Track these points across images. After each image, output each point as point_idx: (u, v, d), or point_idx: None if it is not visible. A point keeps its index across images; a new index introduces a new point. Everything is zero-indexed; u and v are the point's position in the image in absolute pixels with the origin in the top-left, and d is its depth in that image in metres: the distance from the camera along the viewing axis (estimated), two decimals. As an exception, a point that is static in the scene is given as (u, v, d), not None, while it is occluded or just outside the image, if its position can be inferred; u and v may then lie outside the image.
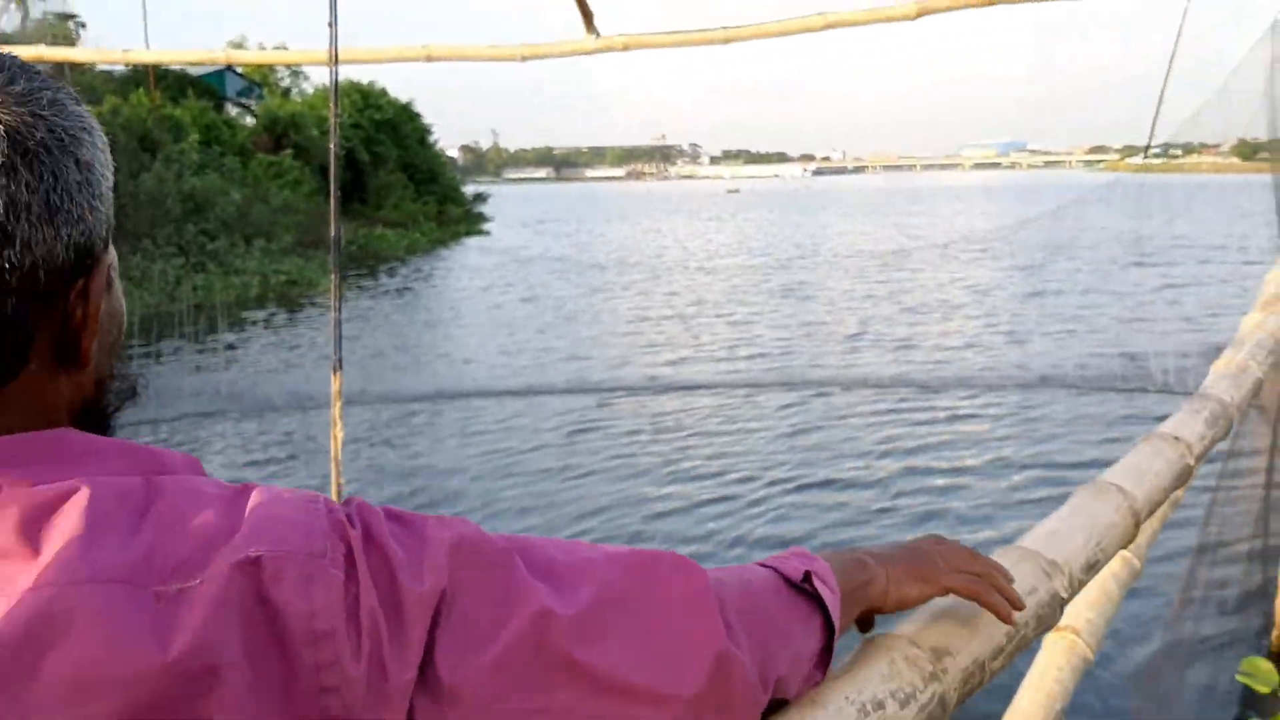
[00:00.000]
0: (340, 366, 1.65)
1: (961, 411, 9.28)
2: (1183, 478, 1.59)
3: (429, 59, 4.96)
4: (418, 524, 0.65)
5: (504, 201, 73.78)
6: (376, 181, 37.40)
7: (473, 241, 37.27)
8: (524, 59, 4.89)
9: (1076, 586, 1.17)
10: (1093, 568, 1.24)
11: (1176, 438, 1.66)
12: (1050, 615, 1.08)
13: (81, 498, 0.56)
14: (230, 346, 14.19)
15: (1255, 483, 4.34)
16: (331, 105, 1.57)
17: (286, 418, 9.63)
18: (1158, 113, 6.59)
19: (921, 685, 0.86)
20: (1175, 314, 15.31)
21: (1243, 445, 4.23)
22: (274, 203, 26.29)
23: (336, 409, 1.66)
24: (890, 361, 11.95)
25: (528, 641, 0.63)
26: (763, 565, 0.84)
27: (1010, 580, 0.98)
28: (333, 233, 1.65)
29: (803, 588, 0.81)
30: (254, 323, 16.52)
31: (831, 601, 0.81)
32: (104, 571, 0.53)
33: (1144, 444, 1.63)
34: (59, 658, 0.51)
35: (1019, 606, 0.96)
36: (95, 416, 0.69)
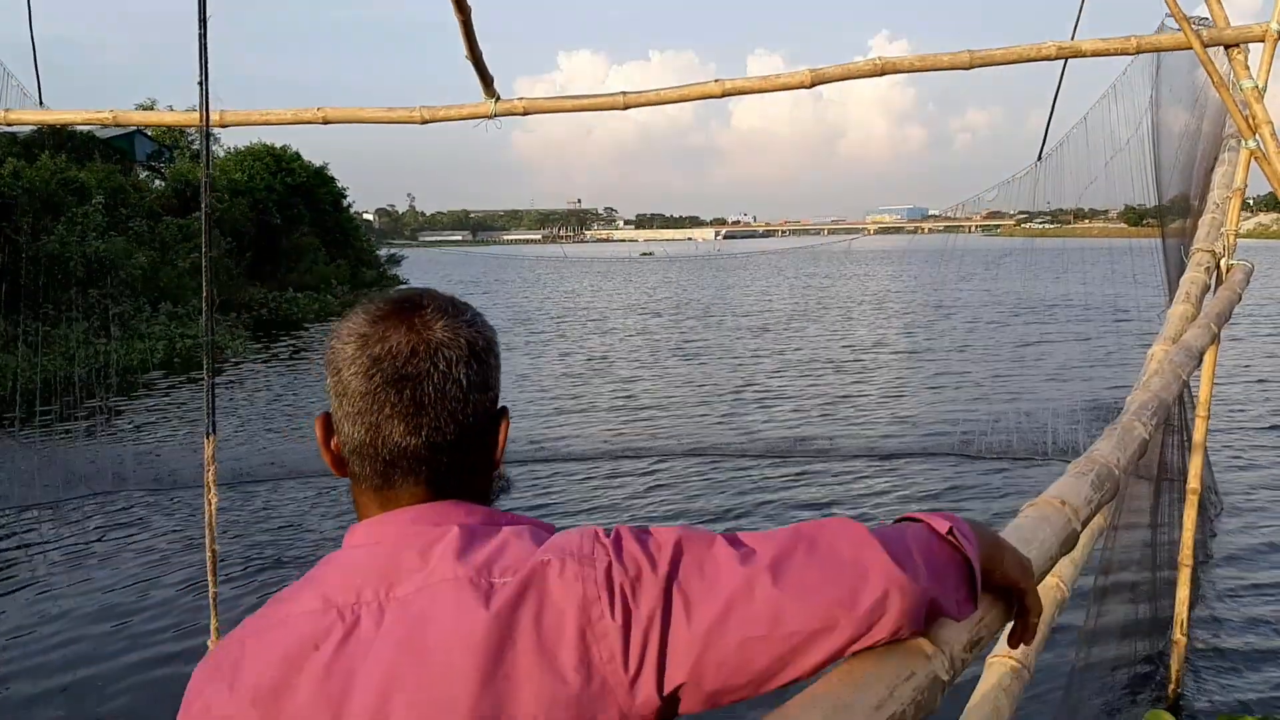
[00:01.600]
0: (214, 431, 1.74)
1: (843, 476, 9.41)
2: (1069, 544, 1.53)
3: (325, 121, 5.01)
4: (649, 530, 1.02)
5: (419, 264, 73.39)
6: (288, 244, 37.04)
7: (386, 305, 37.00)
8: (424, 121, 4.96)
9: (959, 667, 1.09)
10: (976, 645, 1.16)
11: (1062, 502, 1.59)
12: (930, 701, 1.01)
13: (456, 535, 1.04)
14: (119, 414, 13.82)
15: (1142, 542, 4.55)
16: (203, 166, 1.68)
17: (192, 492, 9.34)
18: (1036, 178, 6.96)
19: None
20: (1049, 374, 15.97)
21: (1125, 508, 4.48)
22: (182, 266, 25.91)
23: (210, 474, 1.75)
24: (766, 423, 12.07)
25: (739, 591, 0.95)
26: (912, 519, 1.09)
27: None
28: (205, 292, 1.75)
29: (946, 538, 1.06)
30: (155, 389, 16.15)
31: (971, 552, 1.06)
32: (469, 575, 0.98)
33: (1029, 510, 1.57)
34: (442, 614, 0.97)
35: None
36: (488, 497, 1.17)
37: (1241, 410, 11.91)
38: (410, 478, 1.09)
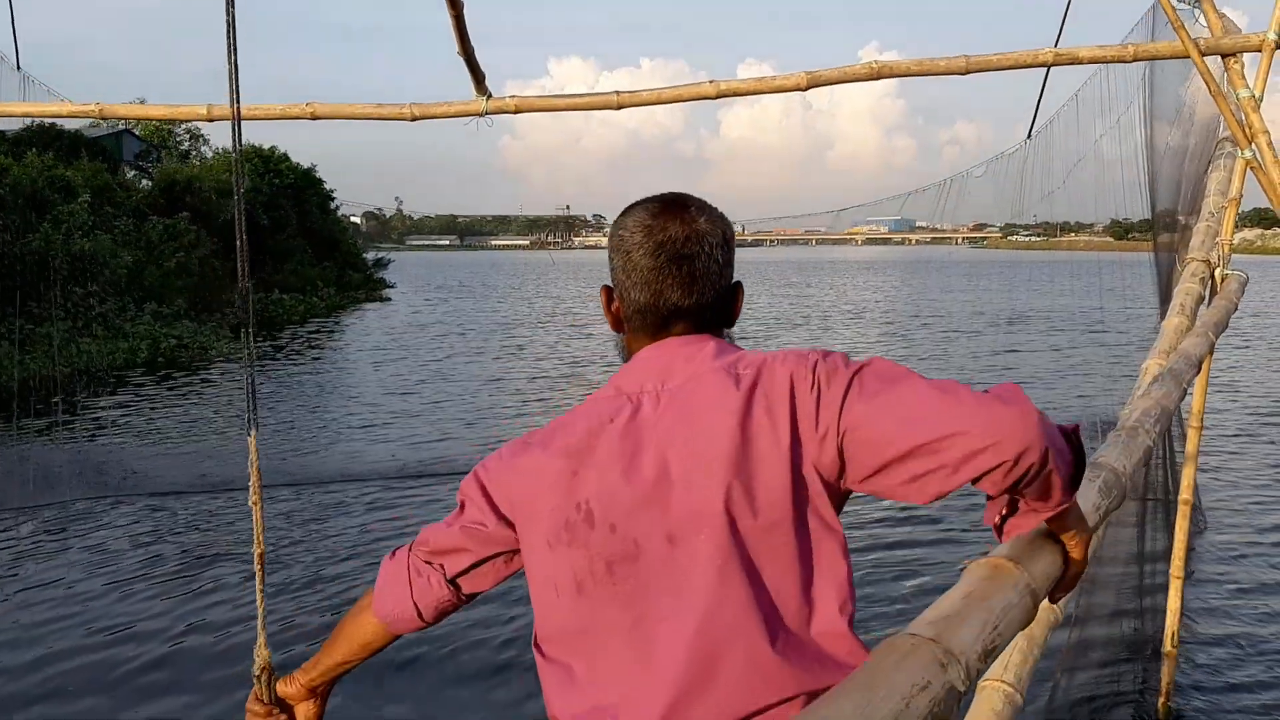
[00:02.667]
0: (255, 427, 1.70)
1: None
2: (1080, 552, 1.52)
3: (314, 117, 4.92)
4: (844, 356, 1.38)
5: (407, 267, 73.23)
6: (275, 246, 36.87)
7: (372, 307, 36.90)
8: (414, 118, 4.88)
9: (974, 676, 1.10)
10: (990, 654, 1.17)
11: (1070, 509, 1.56)
12: (945, 712, 1.02)
13: (713, 346, 1.47)
14: (99, 414, 13.68)
15: (1125, 556, 4.53)
16: (235, 155, 1.62)
17: (191, 499, 9.19)
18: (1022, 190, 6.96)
19: None
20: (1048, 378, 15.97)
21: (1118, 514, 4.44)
22: (168, 266, 25.74)
23: (254, 473, 1.71)
24: None
25: (905, 391, 1.26)
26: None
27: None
28: (241, 285, 1.70)
29: (1072, 434, 1.28)
30: (139, 389, 16.00)
31: (1083, 455, 1.29)
32: (727, 370, 1.41)
33: None
34: (706, 392, 1.40)
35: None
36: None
37: (1221, 422, 11.94)
38: (680, 325, 1.50)
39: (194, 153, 44.56)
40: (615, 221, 1.56)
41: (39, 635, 5.82)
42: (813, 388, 1.34)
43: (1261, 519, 8.00)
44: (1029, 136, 6.66)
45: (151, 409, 14.02)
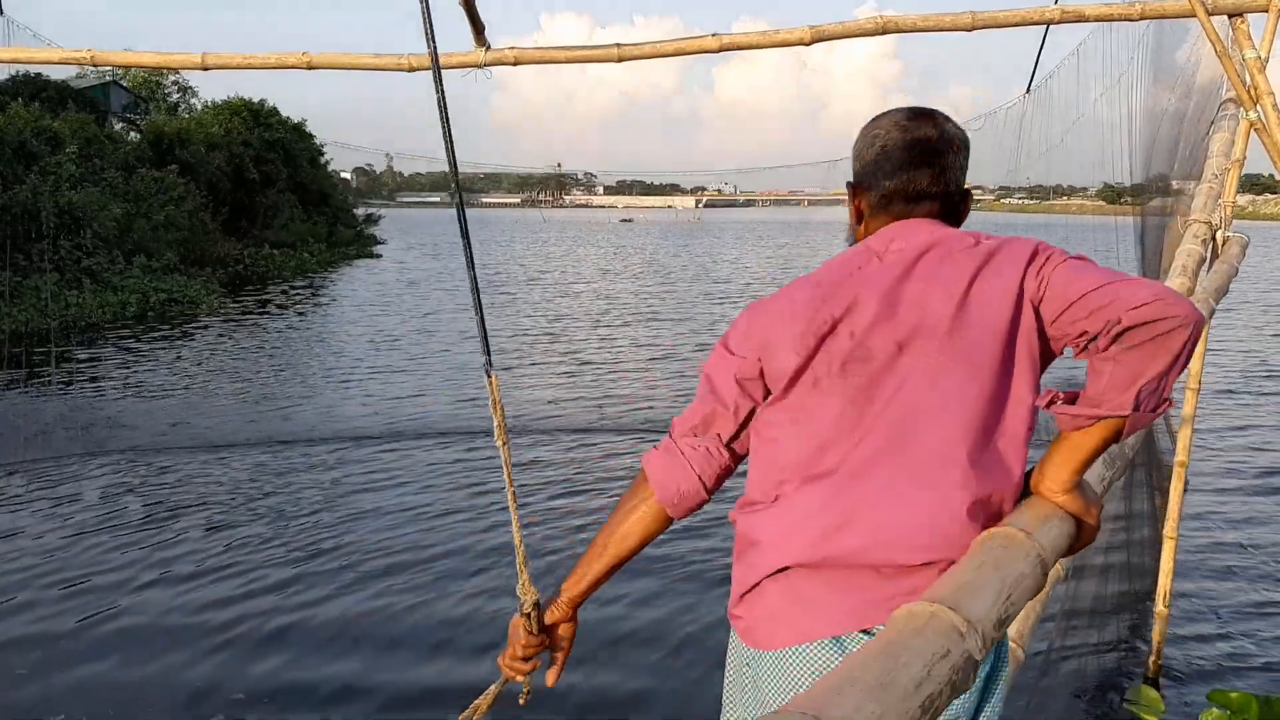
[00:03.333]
0: (492, 367, 1.74)
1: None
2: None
3: (310, 66, 4.84)
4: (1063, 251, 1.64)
5: (398, 223, 72.81)
6: (265, 201, 36.59)
7: (363, 264, 36.71)
8: (412, 69, 4.79)
9: (989, 646, 1.12)
10: (1004, 623, 1.20)
11: (1079, 479, 1.66)
12: (963, 681, 1.04)
13: (954, 228, 1.75)
14: (88, 367, 13.60)
15: (1113, 515, 4.57)
16: (441, 107, 1.62)
17: (175, 454, 9.15)
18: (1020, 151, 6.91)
19: None
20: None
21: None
22: (157, 219, 25.53)
23: (498, 415, 1.74)
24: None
25: (1098, 276, 1.50)
26: None
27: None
28: (460, 224, 1.71)
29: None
30: (129, 342, 15.91)
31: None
32: (969, 239, 1.67)
33: None
34: (950, 246, 1.68)
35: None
36: None
37: (1207, 383, 11.99)
38: (924, 208, 1.75)
39: (182, 105, 44.08)
40: (865, 127, 1.82)
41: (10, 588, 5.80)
42: (1033, 264, 1.60)
43: (1247, 480, 8.07)
44: (1028, 90, 6.61)
45: (141, 363, 13.94)
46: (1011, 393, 1.62)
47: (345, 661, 4.84)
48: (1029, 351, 1.61)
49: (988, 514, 1.59)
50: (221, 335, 17.04)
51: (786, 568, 1.63)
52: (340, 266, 34.72)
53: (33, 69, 31.45)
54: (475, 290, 1.79)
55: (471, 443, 9.13)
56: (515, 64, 4.77)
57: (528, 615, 1.81)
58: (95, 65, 4.95)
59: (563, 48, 4.81)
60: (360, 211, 56.13)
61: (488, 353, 1.77)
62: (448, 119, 1.77)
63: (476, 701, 1.92)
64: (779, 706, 1.32)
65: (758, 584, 1.67)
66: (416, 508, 7.23)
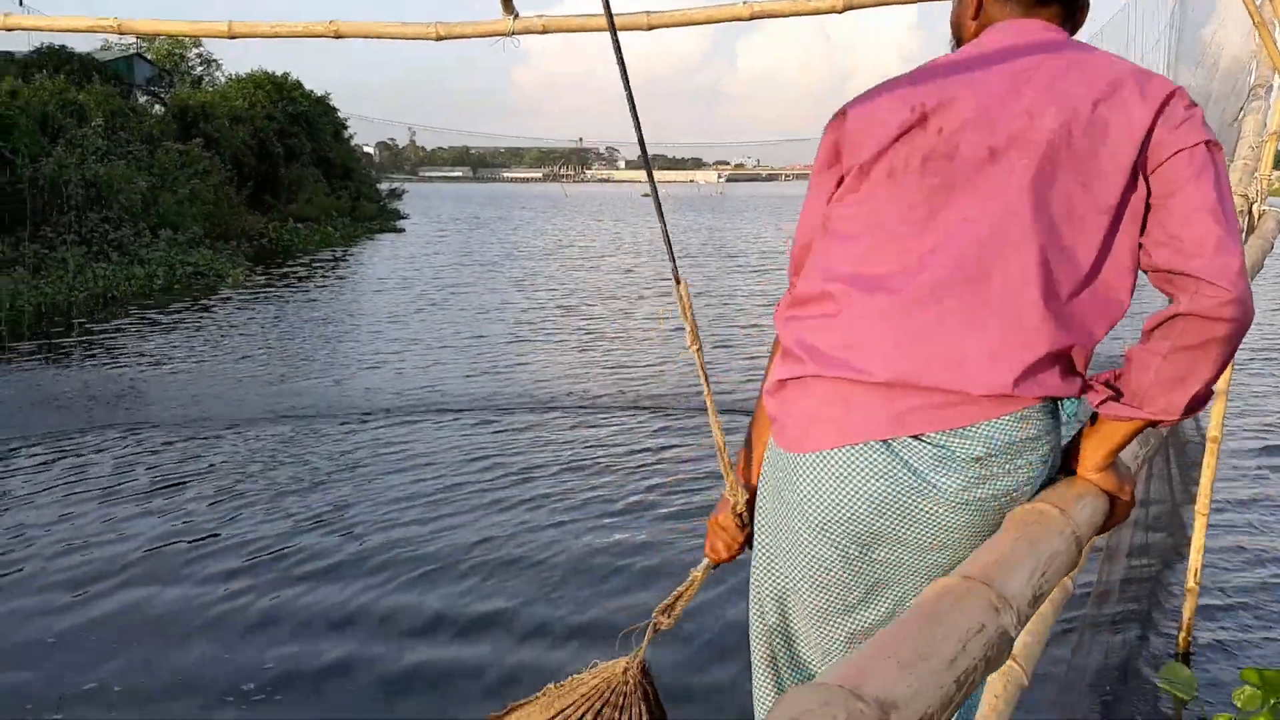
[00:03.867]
0: (680, 278, 1.81)
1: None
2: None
3: (337, 35, 4.79)
4: (1203, 120, 1.48)
5: (421, 199, 72.84)
6: (289, 175, 36.69)
7: (386, 238, 36.78)
8: (439, 38, 4.73)
9: (1023, 623, 1.12)
10: (1038, 600, 1.19)
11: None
12: (999, 656, 1.03)
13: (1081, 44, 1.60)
14: (114, 341, 13.68)
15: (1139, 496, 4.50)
16: (619, 67, 1.67)
17: (203, 425, 9.18)
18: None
19: None
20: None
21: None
22: (182, 192, 25.64)
23: (689, 319, 1.79)
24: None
25: (1212, 189, 1.41)
26: None
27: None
28: (637, 134, 1.77)
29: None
30: (156, 316, 16.00)
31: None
32: (1101, 59, 1.54)
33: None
34: (1079, 57, 1.54)
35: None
36: None
37: (1244, 358, 11.86)
38: (1049, 10, 1.61)
39: (206, 78, 44.18)
40: None
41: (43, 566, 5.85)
42: (1180, 117, 1.45)
43: (1278, 458, 7.98)
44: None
45: (166, 336, 14.02)
46: (1112, 247, 1.49)
47: (349, 637, 4.86)
48: (1136, 211, 1.47)
49: (1061, 369, 1.49)
50: (245, 308, 17.11)
51: (842, 378, 1.52)
52: (363, 240, 34.77)
53: (56, 41, 31.60)
54: (658, 205, 1.81)
55: (483, 416, 9.16)
56: (544, 32, 4.71)
57: (740, 514, 1.84)
58: (121, 33, 4.93)
59: (593, 15, 4.75)
60: (384, 186, 56.21)
61: (673, 260, 1.80)
62: (629, 83, 1.75)
63: (680, 590, 1.99)
64: (815, 516, 1.54)
65: (799, 379, 1.57)
66: (428, 481, 7.23)
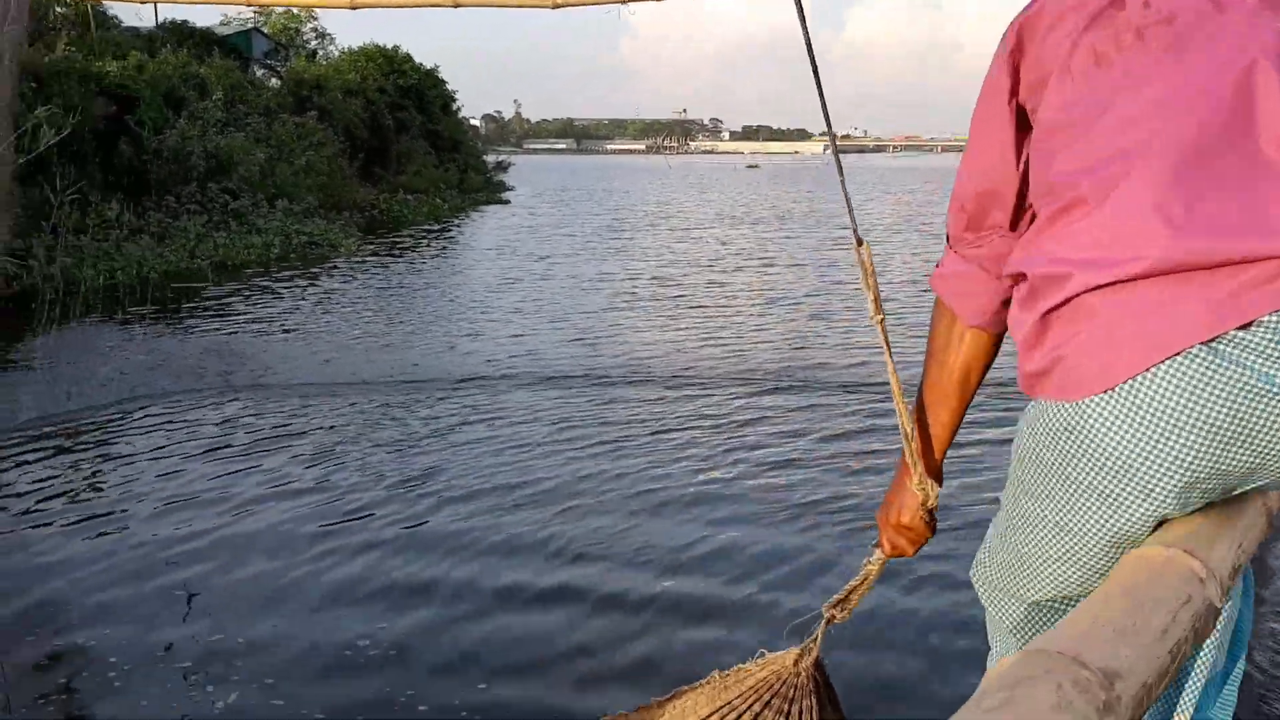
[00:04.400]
0: (860, 239, 1.79)
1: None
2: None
3: (456, 4, 4.73)
4: None
5: (525, 171, 73.46)
6: (399, 148, 37.25)
7: (492, 210, 37.15)
8: (555, 6, 4.65)
9: (1225, 594, 1.07)
10: (1235, 573, 1.14)
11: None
12: (1205, 628, 1.00)
13: None
14: (234, 307, 14.02)
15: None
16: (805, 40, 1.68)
17: (321, 388, 9.33)
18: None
19: (1096, 719, 0.74)
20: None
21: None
22: (297, 164, 26.20)
23: (872, 288, 1.75)
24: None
25: None
26: None
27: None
28: (820, 99, 1.75)
29: None
30: (272, 283, 16.38)
31: None
32: None
33: None
34: None
35: None
36: None
37: None
38: None
39: (321, 52, 45.07)
40: None
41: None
42: None
43: None
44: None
45: (281, 303, 14.33)
46: None
47: (464, 564, 4.82)
48: None
49: None
50: (355, 277, 17.43)
51: (1118, 282, 1.19)
52: (470, 212, 35.17)
53: (179, 16, 32.52)
54: (840, 172, 1.77)
55: (569, 387, 9.13)
56: (664, -3, 4.59)
57: (932, 510, 1.74)
58: (250, 4, 4.93)
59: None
60: (490, 158, 56.75)
61: (854, 223, 1.76)
62: (812, 48, 1.73)
63: (853, 584, 1.92)
64: (1137, 471, 1.18)
65: (1064, 304, 1.23)
66: (518, 449, 7.20)
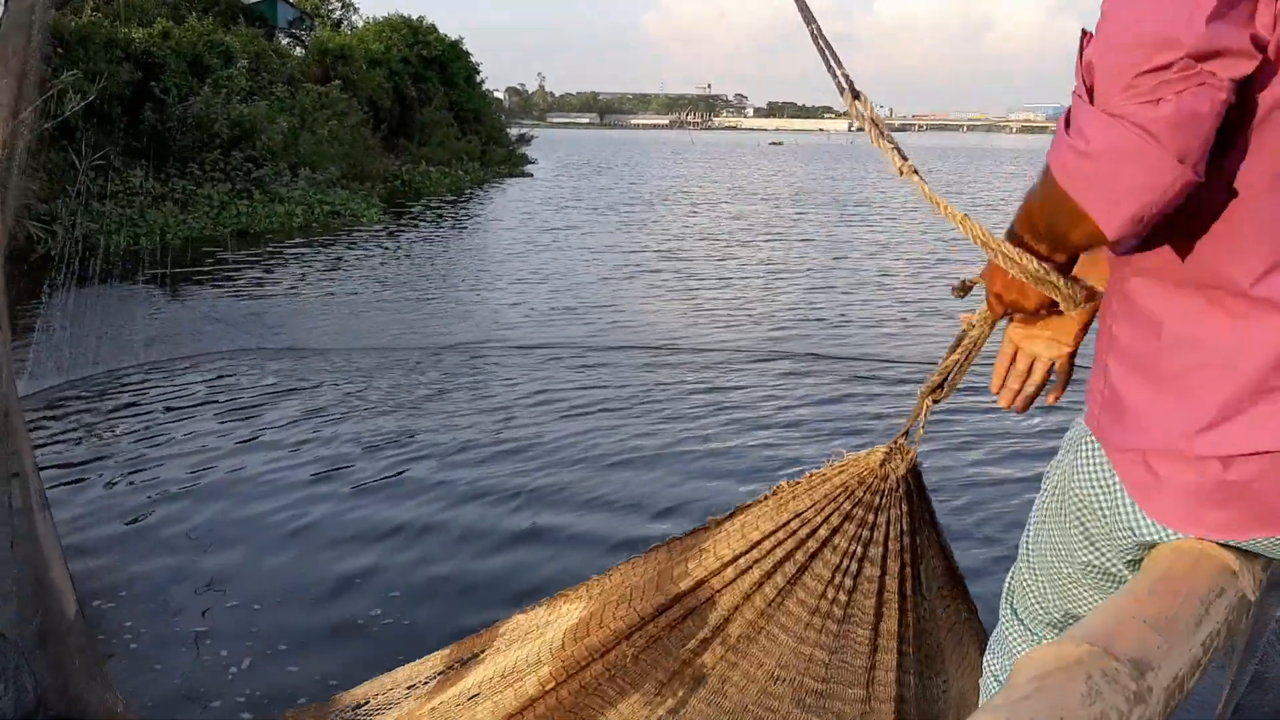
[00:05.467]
0: (856, 93, 1.69)
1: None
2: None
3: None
4: None
5: (548, 144, 73.35)
6: (422, 119, 37.18)
7: (514, 182, 37.14)
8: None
9: (1259, 587, 1.06)
10: (1266, 567, 1.13)
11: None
12: (1237, 621, 1.00)
13: None
14: (255, 274, 14.10)
15: None
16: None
17: (336, 355, 9.45)
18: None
19: (1126, 710, 0.74)
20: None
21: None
22: (320, 134, 26.20)
23: (885, 136, 1.66)
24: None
25: None
26: None
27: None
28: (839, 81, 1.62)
29: None
30: (295, 251, 16.46)
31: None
32: None
33: None
34: None
35: None
36: None
37: None
38: None
39: (345, 22, 44.97)
40: None
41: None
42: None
43: None
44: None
45: (304, 271, 14.46)
46: None
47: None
48: None
49: None
50: (375, 247, 17.57)
51: None
52: (492, 185, 35.22)
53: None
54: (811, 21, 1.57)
55: (582, 357, 9.33)
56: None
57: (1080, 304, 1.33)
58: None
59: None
60: (513, 131, 56.57)
61: (841, 75, 1.51)
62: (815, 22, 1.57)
63: (951, 358, 1.60)
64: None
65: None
66: (499, 413, 7.49)
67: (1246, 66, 1.03)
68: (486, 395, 7.92)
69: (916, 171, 1.40)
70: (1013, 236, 1.34)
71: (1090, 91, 1.09)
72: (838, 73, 1.46)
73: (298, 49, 34.53)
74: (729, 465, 6.27)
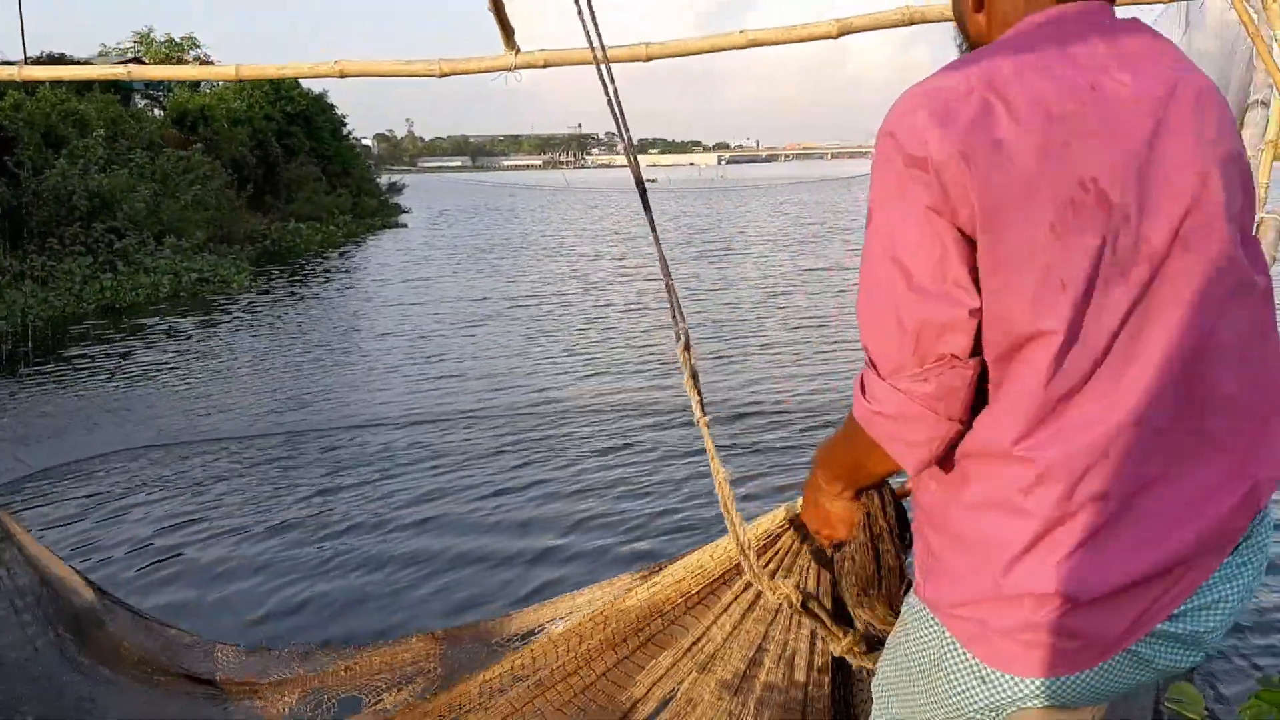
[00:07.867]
0: (681, 335, 1.88)
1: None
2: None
3: (342, 75, 4.89)
4: None
5: (422, 191, 72.74)
6: (288, 174, 36.75)
7: (388, 234, 36.83)
8: (442, 74, 4.81)
9: None
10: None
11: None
12: None
13: (1150, 31, 1.32)
14: (127, 354, 13.76)
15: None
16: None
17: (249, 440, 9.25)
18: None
19: None
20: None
21: None
22: (184, 199, 25.71)
23: (694, 391, 1.88)
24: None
25: None
26: None
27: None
28: (635, 175, 1.69)
29: None
30: (163, 326, 16.10)
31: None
32: (1174, 51, 1.34)
33: None
34: (1141, 45, 1.30)
35: None
36: None
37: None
38: None
39: (204, 82, 44.18)
40: None
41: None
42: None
43: None
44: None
45: (168, 347, 14.05)
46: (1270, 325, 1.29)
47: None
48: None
49: (1256, 508, 1.32)
50: (246, 315, 17.15)
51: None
52: (366, 238, 34.79)
53: (56, 49, 31.60)
54: (663, 262, 1.85)
55: (469, 425, 9.32)
56: (545, 66, 4.80)
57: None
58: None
59: (591, 48, 4.83)
60: (383, 179, 56.25)
61: (677, 316, 1.78)
62: (623, 116, 1.89)
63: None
64: None
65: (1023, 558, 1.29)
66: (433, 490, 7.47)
67: (970, 335, 1.28)
68: (376, 478, 7.81)
69: (707, 421, 1.78)
70: (812, 480, 1.70)
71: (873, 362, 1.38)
72: (677, 324, 1.85)
73: (156, 110, 33.83)
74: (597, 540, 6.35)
